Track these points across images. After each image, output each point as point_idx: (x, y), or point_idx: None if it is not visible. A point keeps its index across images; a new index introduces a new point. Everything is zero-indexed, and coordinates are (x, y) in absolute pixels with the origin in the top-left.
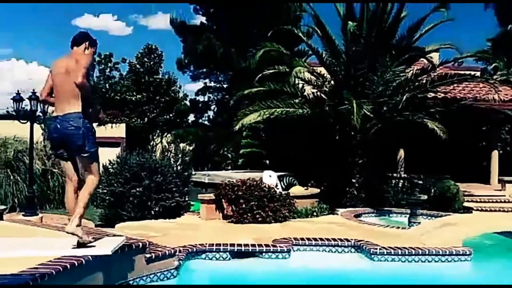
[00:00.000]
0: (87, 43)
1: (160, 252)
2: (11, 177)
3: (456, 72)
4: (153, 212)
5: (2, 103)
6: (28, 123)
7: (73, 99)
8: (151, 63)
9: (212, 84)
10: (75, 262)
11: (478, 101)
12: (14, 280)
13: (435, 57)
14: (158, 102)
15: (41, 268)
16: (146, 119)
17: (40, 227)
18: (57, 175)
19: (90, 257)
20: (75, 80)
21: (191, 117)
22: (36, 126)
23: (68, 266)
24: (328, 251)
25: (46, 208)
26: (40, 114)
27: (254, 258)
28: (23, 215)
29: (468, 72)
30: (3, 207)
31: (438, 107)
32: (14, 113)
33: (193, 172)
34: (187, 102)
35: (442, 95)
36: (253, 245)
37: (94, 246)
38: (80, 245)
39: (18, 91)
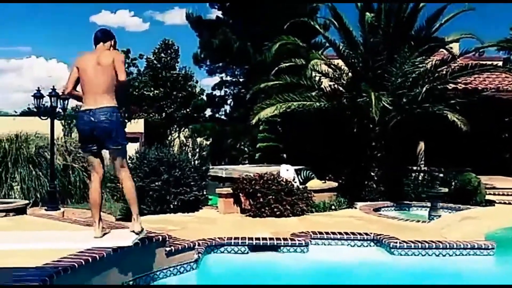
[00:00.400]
0: (112, 41)
1: (179, 246)
2: (33, 172)
3: (477, 62)
4: (172, 206)
5: (23, 100)
6: (49, 120)
7: (107, 93)
8: (168, 58)
9: (229, 78)
10: (97, 256)
11: (500, 91)
12: (38, 273)
13: (455, 47)
14: (175, 97)
15: (64, 261)
16: (163, 114)
17: (62, 221)
18: (78, 170)
19: (111, 250)
20: (119, 77)
21: (208, 112)
22: (57, 122)
23: (90, 260)
24: (347, 245)
25: (67, 203)
26: (60, 111)
27: (272, 252)
28: (45, 209)
29: (489, 62)
30: (26, 201)
31: (458, 98)
32: (34, 109)
33: (211, 167)
34: (204, 97)
35: (463, 86)
36: (271, 239)
37: (116, 238)
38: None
39: (38, 88)
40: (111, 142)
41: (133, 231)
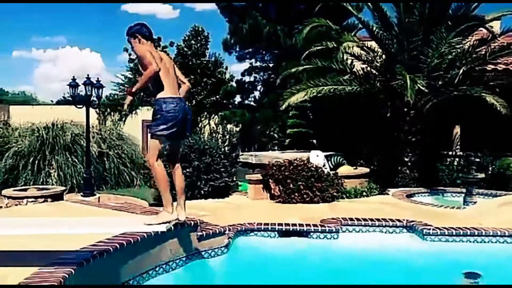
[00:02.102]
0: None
1: (210, 230)
2: (70, 159)
3: None
4: (202, 192)
5: (60, 90)
6: (84, 108)
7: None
8: (198, 45)
9: (258, 64)
10: (131, 240)
11: None
12: (75, 256)
13: (496, 26)
14: (205, 84)
15: (99, 245)
16: (194, 101)
17: (97, 207)
18: (112, 157)
19: (145, 234)
20: (183, 80)
21: (238, 98)
22: (92, 111)
23: (124, 244)
24: (378, 232)
25: (102, 189)
26: (95, 99)
27: (302, 238)
28: (81, 195)
29: None
30: (63, 188)
31: (498, 80)
32: (70, 98)
33: (240, 153)
34: (233, 83)
35: (503, 66)
36: (300, 225)
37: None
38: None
39: (73, 77)
40: (189, 130)
41: (178, 219)
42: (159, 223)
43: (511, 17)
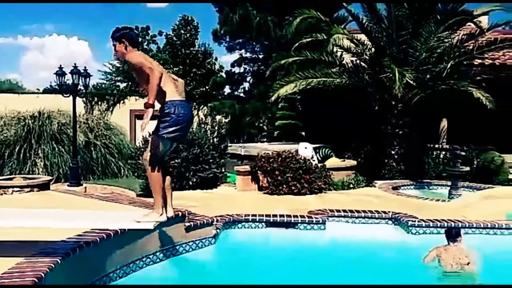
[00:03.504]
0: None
1: (198, 221)
2: (56, 149)
3: (507, 36)
4: (190, 183)
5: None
6: (71, 97)
7: None
8: (188, 35)
9: (248, 55)
10: (118, 231)
11: None
12: (61, 247)
13: (484, 21)
14: (194, 75)
15: (86, 236)
16: None
17: (83, 197)
18: (99, 146)
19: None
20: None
21: (227, 89)
22: (79, 100)
23: (112, 234)
24: (364, 223)
25: (89, 179)
26: (82, 88)
27: (290, 229)
28: (67, 185)
29: None
30: (49, 177)
31: (485, 74)
32: (57, 87)
33: (229, 144)
34: (223, 74)
35: (490, 61)
36: (288, 216)
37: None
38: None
39: (60, 65)
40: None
41: (167, 216)
42: (148, 222)
43: (498, 12)
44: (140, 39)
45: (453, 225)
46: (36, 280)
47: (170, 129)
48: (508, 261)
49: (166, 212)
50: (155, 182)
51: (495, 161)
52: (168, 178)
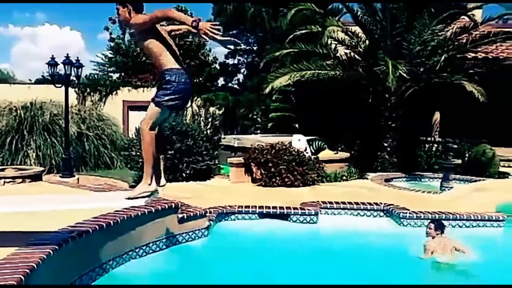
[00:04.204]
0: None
1: (191, 213)
2: (48, 140)
3: (500, 30)
4: (184, 175)
5: (38, 68)
6: (63, 88)
7: None
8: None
9: (242, 46)
10: (111, 221)
11: None
12: (53, 237)
13: (478, 14)
14: (188, 66)
15: (79, 226)
16: None
17: (76, 188)
18: (92, 138)
19: (125, 216)
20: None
21: (221, 81)
22: (71, 90)
23: (104, 225)
24: (357, 215)
25: (82, 170)
26: (74, 79)
27: (282, 221)
28: (60, 176)
29: None
30: (41, 168)
31: (478, 68)
32: (49, 77)
33: (223, 136)
34: (217, 66)
35: (483, 55)
36: (281, 208)
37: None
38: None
39: (52, 55)
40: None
41: (159, 185)
42: (139, 194)
43: (492, 6)
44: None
45: (443, 217)
46: (28, 271)
47: (169, 97)
48: (498, 252)
49: (157, 182)
50: (146, 147)
51: (486, 154)
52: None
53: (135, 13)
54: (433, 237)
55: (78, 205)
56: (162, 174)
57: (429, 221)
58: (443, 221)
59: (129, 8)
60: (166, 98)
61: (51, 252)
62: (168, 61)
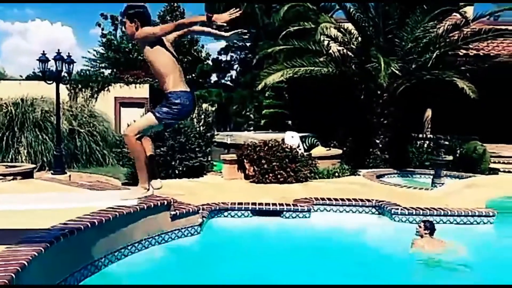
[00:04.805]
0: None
1: (184, 210)
2: (40, 136)
3: (491, 27)
4: (177, 172)
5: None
6: (54, 84)
7: None
8: (173, 21)
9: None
10: (103, 218)
11: None
12: (46, 235)
13: (469, 11)
14: (181, 62)
15: (70, 224)
16: None
17: (68, 185)
18: (83, 134)
19: (117, 213)
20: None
21: (214, 77)
22: (62, 87)
23: (96, 222)
24: (349, 211)
25: (73, 167)
26: (66, 75)
27: (275, 217)
28: (51, 173)
29: (504, 27)
30: (33, 166)
31: (469, 65)
32: (40, 74)
33: (216, 133)
34: (210, 62)
35: (474, 52)
36: (274, 204)
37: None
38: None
39: (43, 51)
40: None
41: (154, 188)
42: (135, 198)
43: (484, 3)
44: None
45: (435, 213)
46: (19, 268)
47: (171, 116)
48: (488, 247)
49: (153, 185)
50: (139, 158)
51: (477, 151)
52: (149, 147)
53: (141, 28)
54: (422, 236)
55: (71, 204)
56: (157, 175)
57: (421, 220)
58: (434, 223)
59: (137, 24)
60: (169, 117)
61: (43, 250)
62: (176, 84)
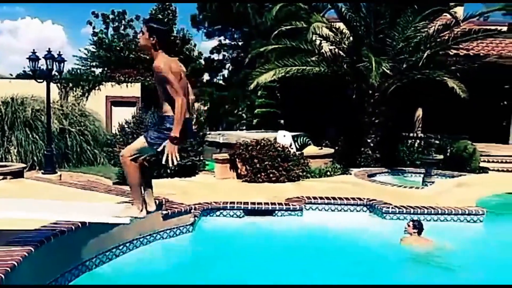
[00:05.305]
0: None
1: (176, 209)
2: (30, 136)
3: (480, 27)
4: (168, 171)
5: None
6: (45, 83)
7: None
8: (165, 20)
9: (227, 41)
10: None
11: (502, 58)
12: (36, 235)
13: (460, 11)
14: None
15: (61, 224)
16: None
17: (59, 185)
18: (74, 133)
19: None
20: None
21: (206, 76)
22: (53, 85)
23: (87, 223)
24: (340, 210)
25: (64, 167)
26: (56, 74)
27: (267, 216)
28: (42, 173)
29: (494, 28)
30: (23, 165)
31: (459, 64)
32: (30, 72)
33: (208, 132)
34: (202, 61)
35: (465, 52)
36: (266, 204)
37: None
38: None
39: (34, 50)
40: None
41: (148, 211)
42: (127, 216)
43: (473, 4)
44: (116, 24)
45: (425, 212)
46: (9, 269)
47: (162, 142)
48: (477, 245)
49: (148, 207)
50: (132, 178)
51: (467, 150)
52: (147, 172)
53: (158, 47)
54: (411, 234)
55: (63, 216)
56: (152, 199)
57: (410, 219)
58: (422, 222)
59: (155, 40)
60: (159, 142)
61: (33, 250)
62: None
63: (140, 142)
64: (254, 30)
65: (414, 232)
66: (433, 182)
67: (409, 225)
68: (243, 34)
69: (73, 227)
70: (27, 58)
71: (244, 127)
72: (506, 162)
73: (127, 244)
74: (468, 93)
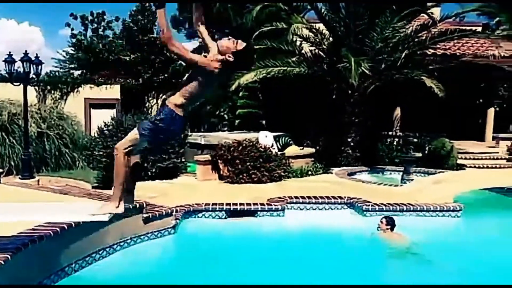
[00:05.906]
0: None
1: (157, 212)
2: (7, 140)
3: (457, 27)
4: (149, 174)
5: None
6: (22, 86)
7: None
8: (145, 21)
9: None
10: (73, 223)
11: (477, 57)
12: (13, 241)
13: (437, 12)
14: (153, 62)
15: (39, 230)
16: (140, 79)
17: (37, 190)
18: (53, 137)
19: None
20: None
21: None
22: (30, 88)
23: (66, 227)
24: (322, 209)
25: (42, 171)
26: (34, 76)
27: (250, 217)
28: (19, 178)
29: (469, 28)
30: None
31: (437, 64)
32: (6, 75)
33: (189, 133)
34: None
35: (442, 51)
36: (248, 204)
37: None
38: None
39: (9, 52)
40: None
41: (126, 207)
42: (104, 213)
43: (449, 4)
44: (95, 25)
45: (404, 208)
46: None
47: (155, 134)
48: (455, 240)
49: (124, 203)
50: (119, 173)
51: (445, 147)
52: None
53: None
54: (384, 231)
55: (39, 216)
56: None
57: (382, 217)
58: (394, 219)
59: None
60: (150, 134)
61: (9, 257)
62: (180, 106)
63: (133, 133)
64: (235, 31)
65: (387, 228)
66: (412, 180)
67: (382, 222)
68: (224, 35)
69: (52, 233)
70: (2, 61)
71: (226, 128)
72: (482, 159)
73: (107, 249)
74: (445, 92)
